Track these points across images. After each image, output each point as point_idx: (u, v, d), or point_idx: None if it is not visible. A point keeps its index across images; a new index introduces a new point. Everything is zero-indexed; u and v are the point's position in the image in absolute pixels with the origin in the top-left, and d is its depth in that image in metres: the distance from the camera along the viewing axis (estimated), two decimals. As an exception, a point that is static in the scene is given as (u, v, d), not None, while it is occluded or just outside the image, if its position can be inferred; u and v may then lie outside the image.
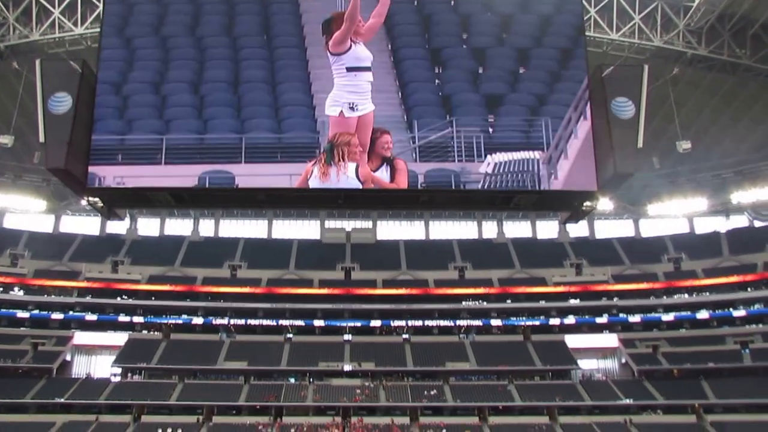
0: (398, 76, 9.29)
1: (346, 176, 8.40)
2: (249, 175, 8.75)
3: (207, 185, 8.84)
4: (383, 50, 9.25)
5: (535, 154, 8.72)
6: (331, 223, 58.77)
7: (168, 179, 8.92)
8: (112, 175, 8.90)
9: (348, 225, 58.60)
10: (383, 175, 8.66)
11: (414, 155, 8.83)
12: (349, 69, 8.60)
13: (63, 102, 8.72)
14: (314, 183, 8.59)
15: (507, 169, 8.64)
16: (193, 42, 9.59)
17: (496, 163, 8.63)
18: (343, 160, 8.38)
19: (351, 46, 8.59)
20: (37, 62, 9.10)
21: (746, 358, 44.85)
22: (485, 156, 8.75)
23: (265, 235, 58.32)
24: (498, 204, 10.06)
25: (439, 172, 8.74)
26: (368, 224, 58.58)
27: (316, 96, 9.07)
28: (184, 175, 8.83)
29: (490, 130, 9.02)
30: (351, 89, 8.61)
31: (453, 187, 8.91)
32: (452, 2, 9.85)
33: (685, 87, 39.82)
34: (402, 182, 8.72)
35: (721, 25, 34.10)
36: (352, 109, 8.55)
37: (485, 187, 8.81)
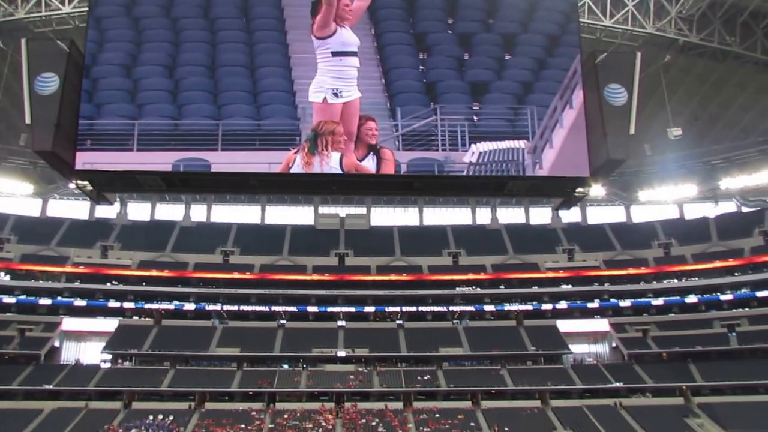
0: (381, 61, 8.98)
1: (329, 166, 8.20)
2: (226, 163, 8.45)
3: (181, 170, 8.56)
4: (366, 35, 8.93)
5: (520, 144, 8.53)
6: (324, 209, 58.56)
7: (140, 167, 8.60)
8: (80, 161, 8.60)
9: (342, 211, 58.38)
10: (370, 164, 8.46)
11: (397, 144, 8.59)
12: (335, 54, 8.33)
13: (50, 83, 8.45)
14: (297, 172, 8.39)
15: (491, 158, 8.45)
16: (167, 23, 9.15)
17: (480, 153, 8.44)
18: (327, 149, 8.16)
19: (336, 29, 8.32)
20: (23, 41, 8.77)
21: (733, 341, 45.62)
22: (469, 145, 8.55)
23: (258, 221, 58.02)
24: (492, 190, 9.91)
25: (423, 162, 8.52)
26: (362, 210, 58.41)
27: (297, 81, 8.75)
28: (158, 162, 8.50)
29: (475, 118, 8.79)
30: (335, 75, 8.34)
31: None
32: None
33: (676, 74, 39.86)
34: (388, 172, 8.53)
35: (712, 13, 34.29)
36: (336, 95, 8.30)
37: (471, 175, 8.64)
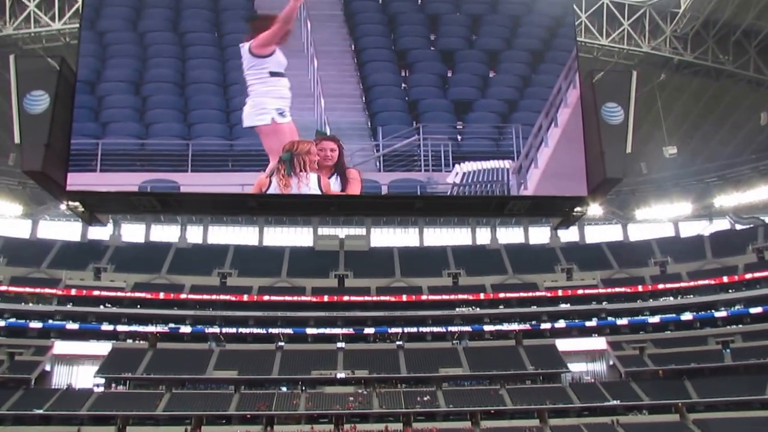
0: (362, 79, 8.73)
1: (308, 188, 7.92)
2: (196, 185, 8.08)
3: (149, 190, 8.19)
4: (346, 51, 8.68)
5: (505, 164, 8.26)
6: (324, 230, 58.21)
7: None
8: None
9: (341, 232, 58.03)
10: (334, 185, 8.16)
11: (378, 164, 8.30)
12: (273, 74, 8.16)
13: (40, 101, 8.21)
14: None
15: (476, 179, 8.18)
16: (134, 38, 8.82)
17: (464, 173, 8.17)
18: (305, 170, 7.88)
19: (275, 49, 8.18)
20: (12, 58, 8.53)
21: (727, 357, 45.34)
22: (453, 165, 8.28)
23: (256, 242, 57.65)
24: (492, 210, 9.74)
25: (404, 183, 8.21)
26: (362, 231, 58.04)
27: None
28: (122, 184, 8.12)
29: (459, 138, 8.54)
30: (277, 95, 8.15)
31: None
32: (419, 1, 9.30)
33: (671, 93, 40.20)
34: (354, 193, 8.29)
35: (706, 32, 34.76)
36: (282, 115, 8.10)
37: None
